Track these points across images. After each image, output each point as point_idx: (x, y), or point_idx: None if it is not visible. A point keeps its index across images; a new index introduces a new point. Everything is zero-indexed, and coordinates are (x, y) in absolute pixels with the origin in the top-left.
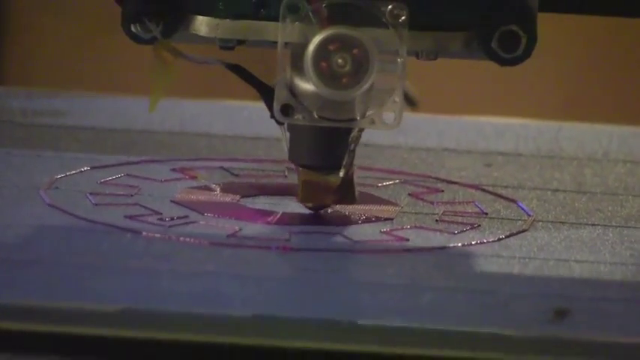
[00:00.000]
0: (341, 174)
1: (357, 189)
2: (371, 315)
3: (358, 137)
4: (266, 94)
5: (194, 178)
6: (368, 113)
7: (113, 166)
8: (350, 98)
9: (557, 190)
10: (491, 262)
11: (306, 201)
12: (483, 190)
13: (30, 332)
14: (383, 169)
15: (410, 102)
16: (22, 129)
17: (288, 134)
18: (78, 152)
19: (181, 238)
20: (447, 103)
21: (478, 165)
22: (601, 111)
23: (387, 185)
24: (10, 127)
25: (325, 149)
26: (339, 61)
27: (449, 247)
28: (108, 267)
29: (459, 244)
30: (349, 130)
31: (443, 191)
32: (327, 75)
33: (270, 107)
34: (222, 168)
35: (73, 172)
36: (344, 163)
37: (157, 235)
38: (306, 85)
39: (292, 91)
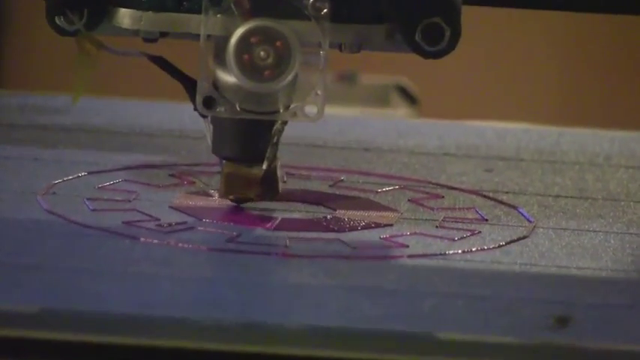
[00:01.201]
0: (264, 166)
1: (358, 195)
2: (370, 321)
3: (281, 130)
4: (189, 86)
5: (192, 183)
6: (291, 106)
7: (111, 171)
8: (272, 91)
9: (558, 196)
10: (492, 268)
11: (228, 194)
12: (484, 196)
13: (27, 339)
14: (383, 175)
15: (411, 99)
16: (19, 132)
17: (211, 127)
18: (76, 156)
19: (180, 244)
20: (447, 107)
21: (479, 170)
22: (602, 116)
23: (386, 191)
24: (8, 130)
25: (248, 142)
26: (262, 53)
27: (449, 254)
28: (106, 273)
29: (459, 251)
30: (272, 123)
31: (443, 197)
32: (249, 67)
33: (193, 100)
34: (220, 173)
35: (71, 177)
36: (267, 155)
37: (155, 241)
38: (228, 78)
39: (215, 83)
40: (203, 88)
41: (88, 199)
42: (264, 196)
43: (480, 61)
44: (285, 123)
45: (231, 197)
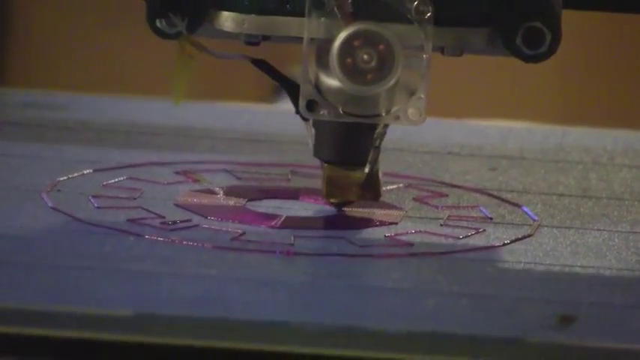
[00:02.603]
0: (366, 170)
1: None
2: (375, 320)
3: (383, 133)
4: (291, 89)
5: (197, 181)
6: (393, 109)
7: (116, 168)
8: (375, 94)
9: (562, 195)
10: (496, 267)
11: (330, 197)
12: (488, 195)
13: (31, 337)
14: (387, 173)
15: None
16: (23, 129)
17: (313, 130)
18: (80, 154)
19: (184, 242)
20: (451, 106)
21: (483, 169)
22: (606, 115)
23: (391, 189)
24: (11, 128)
25: (350, 145)
26: (365, 56)
27: (453, 252)
28: (111, 270)
29: (464, 249)
30: (374, 126)
31: (447, 195)
32: (352, 71)
33: (295, 103)
34: (225, 171)
35: (76, 174)
36: (369, 159)
37: (160, 239)
38: (331, 81)
39: (317, 86)
40: (306, 92)
41: (92, 196)
42: (365, 199)
43: (484, 61)
44: (386, 126)
45: (333, 200)
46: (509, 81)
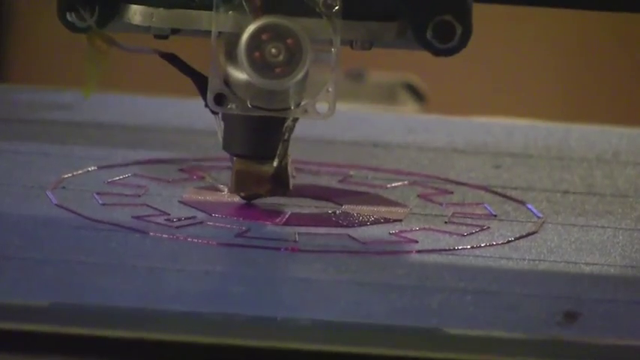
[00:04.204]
0: (275, 163)
1: (367, 190)
2: (379, 317)
3: (292, 127)
4: (200, 83)
5: (202, 178)
6: (302, 103)
7: (121, 165)
8: (283, 88)
9: (566, 192)
10: (501, 264)
11: (239, 190)
12: (493, 192)
13: (37, 333)
14: (392, 170)
15: (419, 97)
16: (28, 126)
17: (222, 124)
18: (85, 151)
19: (189, 239)
20: (456, 103)
21: (487, 166)
22: (611, 112)
23: (396, 187)
24: (16, 125)
25: (258, 138)
26: (273, 50)
27: (458, 249)
28: (115, 267)
29: (468, 246)
30: (283, 120)
31: (452, 193)
32: (260, 64)
33: (204, 96)
34: (230, 168)
35: (80, 171)
36: (278, 152)
37: (165, 236)
38: (239, 75)
39: (226, 80)
40: (214, 85)
41: (97, 193)
42: (274, 192)
43: (488, 58)
44: (296, 120)
45: (242, 194)
46: (513, 78)
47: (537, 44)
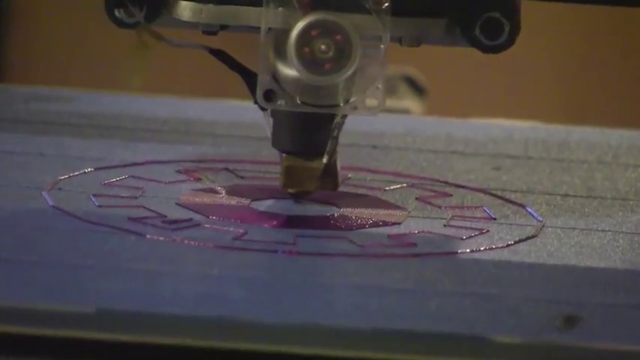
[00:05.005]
0: (324, 160)
1: (365, 193)
2: (377, 320)
3: (341, 123)
4: (249, 79)
5: (199, 179)
6: (351, 99)
7: (117, 167)
8: (332, 84)
9: (566, 195)
10: (500, 268)
11: (288, 187)
12: (492, 195)
13: (32, 336)
14: (391, 172)
15: (418, 90)
16: (25, 126)
17: (271, 120)
18: (82, 152)
19: (186, 241)
20: (455, 105)
21: (487, 168)
22: (611, 114)
23: (394, 189)
24: (13, 125)
25: (308, 135)
26: (322, 47)
27: (457, 253)
28: (111, 269)
29: (467, 250)
30: (332, 116)
31: (451, 195)
32: (309, 61)
33: (253, 93)
34: (227, 170)
35: (77, 172)
36: (327, 149)
37: (161, 238)
38: (288, 71)
39: (275, 76)
40: (264, 81)
41: (93, 195)
42: (324, 188)
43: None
44: (345, 116)
45: (291, 190)
46: (513, 80)
47: (537, 46)
